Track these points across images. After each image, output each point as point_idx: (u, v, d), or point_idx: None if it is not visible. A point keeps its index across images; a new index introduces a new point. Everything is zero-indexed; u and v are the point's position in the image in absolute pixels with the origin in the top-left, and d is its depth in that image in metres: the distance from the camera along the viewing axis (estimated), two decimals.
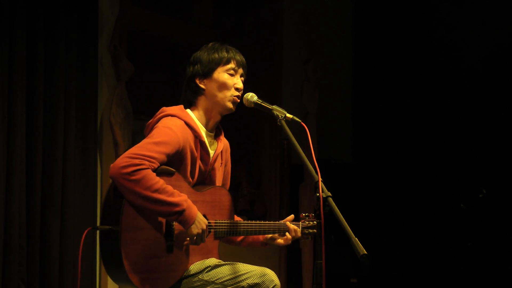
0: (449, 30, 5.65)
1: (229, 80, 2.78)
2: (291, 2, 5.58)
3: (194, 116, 2.80)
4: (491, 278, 5.07)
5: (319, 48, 5.55)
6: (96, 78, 3.89)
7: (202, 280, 2.66)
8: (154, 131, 2.64)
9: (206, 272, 2.67)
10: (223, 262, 2.71)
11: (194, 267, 2.68)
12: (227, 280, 2.64)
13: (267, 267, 2.70)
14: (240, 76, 2.83)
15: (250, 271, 2.65)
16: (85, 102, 3.80)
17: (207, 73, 2.78)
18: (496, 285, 5.06)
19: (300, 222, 2.98)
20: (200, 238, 2.59)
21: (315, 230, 2.95)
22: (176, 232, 2.61)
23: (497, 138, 5.43)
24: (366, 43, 6.21)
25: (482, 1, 5.45)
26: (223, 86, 2.77)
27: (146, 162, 2.49)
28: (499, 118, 5.44)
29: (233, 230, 2.80)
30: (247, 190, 5.32)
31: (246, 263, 2.71)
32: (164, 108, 2.77)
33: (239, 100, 2.80)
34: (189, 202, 2.56)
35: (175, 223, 2.59)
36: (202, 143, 2.75)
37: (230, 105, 2.79)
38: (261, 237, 2.96)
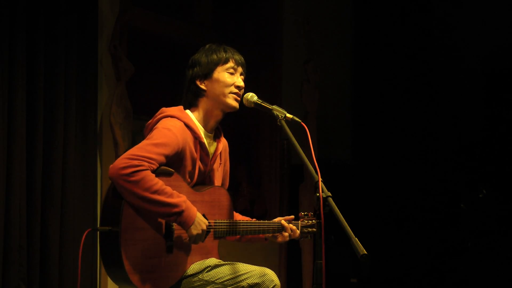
0: (449, 30, 5.65)
1: (229, 79, 2.79)
2: (291, 2, 5.58)
3: (194, 117, 2.80)
4: (491, 278, 5.07)
5: (319, 48, 5.55)
6: (96, 78, 3.89)
7: (202, 280, 2.66)
8: (154, 132, 2.64)
9: (206, 272, 2.67)
10: (223, 262, 2.71)
11: (194, 267, 2.68)
12: (227, 280, 2.64)
13: (267, 267, 2.70)
14: (240, 75, 2.83)
15: (250, 271, 2.65)
16: (85, 102, 3.80)
17: (207, 74, 2.79)
18: (496, 285, 5.06)
19: (299, 221, 2.98)
20: (199, 238, 2.59)
21: (314, 229, 2.97)
22: (175, 232, 2.61)
23: (497, 138, 5.42)
24: (366, 43, 6.21)
25: (482, 1, 5.45)
26: (224, 85, 2.77)
27: (145, 163, 2.49)
28: (499, 118, 5.44)
29: (233, 230, 2.80)
30: (247, 190, 5.32)
31: (246, 263, 2.71)
32: (163, 108, 2.77)
33: (240, 98, 2.80)
34: (188, 203, 2.56)
35: (174, 224, 2.59)
36: (201, 144, 2.75)
37: (232, 102, 2.79)
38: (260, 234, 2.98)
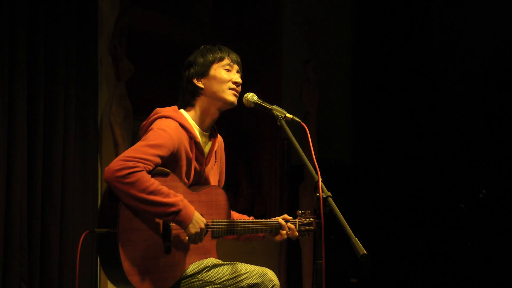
0: (449, 30, 5.65)
1: (226, 75, 2.80)
2: (291, 2, 5.58)
3: (189, 117, 2.80)
4: (491, 278, 5.07)
5: (319, 48, 5.55)
6: (96, 78, 3.89)
7: (201, 280, 2.66)
8: (149, 134, 2.63)
9: (205, 272, 2.67)
10: (222, 262, 2.71)
11: (193, 267, 2.68)
12: (226, 280, 2.64)
13: (267, 267, 2.70)
14: (236, 72, 2.84)
15: (249, 271, 2.65)
16: (85, 102, 3.80)
17: (204, 72, 2.79)
18: (496, 285, 5.06)
19: (297, 220, 2.98)
20: (198, 237, 2.59)
21: (312, 227, 2.99)
22: (173, 232, 2.61)
23: (497, 138, 5.43)
24: (366, 43, 6.21)
25: (482, 2, 5.45)
26: (221, 81, 2.78)
27: (141, 165, 2.49)
28: (499, 118, 5.45)
29: (231, 229, 2.80)
30: (247, 190, 5.32)
31: (245, 263, 2.71)
32: (158, 109, 2.77)
33: (238, 94, 2.80)
34: (185, 202, 2.56)
35: (172, 223, 2.59)
36: (196, 144, 2.75)
37: (231, 97, 2.79)
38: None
